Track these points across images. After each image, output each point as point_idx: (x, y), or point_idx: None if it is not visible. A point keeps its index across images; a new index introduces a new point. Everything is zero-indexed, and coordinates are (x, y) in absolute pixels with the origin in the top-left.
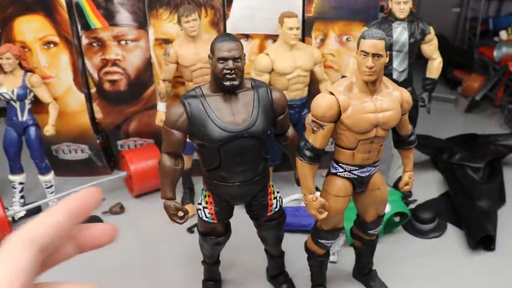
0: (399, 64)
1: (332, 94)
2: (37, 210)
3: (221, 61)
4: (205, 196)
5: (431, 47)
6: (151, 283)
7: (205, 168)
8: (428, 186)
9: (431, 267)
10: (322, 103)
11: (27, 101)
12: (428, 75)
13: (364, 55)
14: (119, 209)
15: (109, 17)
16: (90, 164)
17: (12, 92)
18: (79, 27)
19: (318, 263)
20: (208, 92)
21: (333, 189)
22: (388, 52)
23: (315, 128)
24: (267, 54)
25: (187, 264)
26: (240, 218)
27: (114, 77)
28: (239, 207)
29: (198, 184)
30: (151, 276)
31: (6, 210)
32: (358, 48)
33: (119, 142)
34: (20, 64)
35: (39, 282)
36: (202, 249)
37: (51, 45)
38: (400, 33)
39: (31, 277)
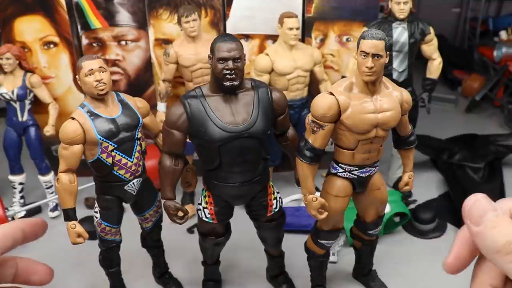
0: (399, 65)
1: (332, 94)
2: (37, 210)
3: (221, 62)
4: (205, 197)
5: (431, 48)
6: (151, 283)
7: (205, 169)
8: (428, 186)
9: (431, 267)
10: (322, 103)
11: (27, 101)
12: (428, 75)
13: (364, 56)
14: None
15: (109, 17)
16: None
17: (12, 92)
18: (79, 27)
19: (318, 263)
20: (208, 93)
21: (333, 189)
22: (388, 52)
23: (315, 128)
24: (267, 54)
25: (187, 264)
26: (240, 218)
27: (114, 77)
28: (239, 207)
29: (198, 184)
30: (150, 276)
31: (6, 210)
32: (358, 49)
33: None
34: (20, 65)
35: None
36: (202, 249)
37: (51, 45)
38: (400, 34)
39: None
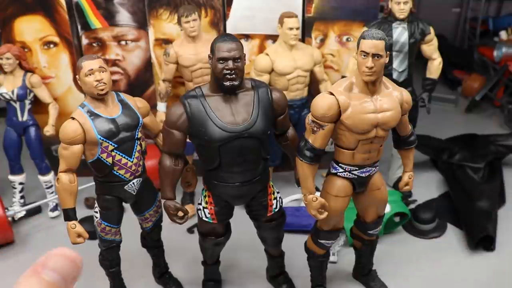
0: (399, 65)
1: (332, 94)
2: (37, 210)
3: (221, 62)
4: (205, 197)
5: (431, 48)
6: (151, 283)
7: (205, 169)
8: (428, 186)
9: (431, 267)
10: (322, 103)
11: (27, 101)
12: (428, 75)
13: (364, 56)
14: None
15: (109, 17)
16: None
17: (12, 92)
18: (79, 27)
19: (318, 263)
20: (208, 92)
21: (333, 189)
22: (388, 52)
23: (315, 128)
24: (267, 54)
25: (187, 264)
26: (240, 218)
27: (114, 77)
28: (239, 207)
29: (198, 184)
30: (150, 276)
31: (6, 210)
32: (358, 49)
33: None
34: (20, 64)
35: None
36: (202, 249)
37: (51, 45)
38: (400, 34)
39: None
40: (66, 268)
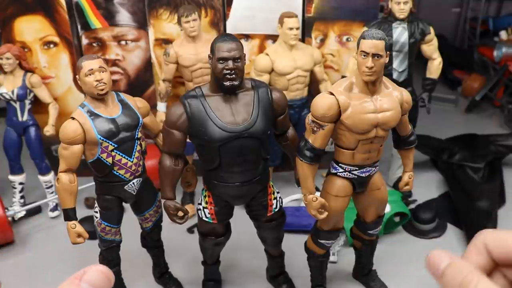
0: (399, 65)
1: (332, 94)
2: (37, 210)
3: (221, 61)
4: (205, 196)
5: (431, 47)
6: (151, 283)
7: (205, 169)
8: (428, 186)
9: None
10: (322, 103)
11: (27, 101)
12: (428, 75)
13: (364, 56)
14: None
15: (109, 17)
16: None
17: (12, 92)
18: (79, 27)
19: (318, 263)
20: (208, 92)
21: (333, 189)
22: (388, 52)
23: (315, 128)
24: (267, 54)
25: (187, 264)
26: (240, 218)
27: (114, 77)
28: (239, 207)
29: (198, 184)
30: (150, 276)
31: (6, 210)
32: (358, 48)
33: None
34: (20, 64)
35: None
36: (202, 249)
37: (51, 45)
38: (400, 34)
39: None
40: (101, 282)
